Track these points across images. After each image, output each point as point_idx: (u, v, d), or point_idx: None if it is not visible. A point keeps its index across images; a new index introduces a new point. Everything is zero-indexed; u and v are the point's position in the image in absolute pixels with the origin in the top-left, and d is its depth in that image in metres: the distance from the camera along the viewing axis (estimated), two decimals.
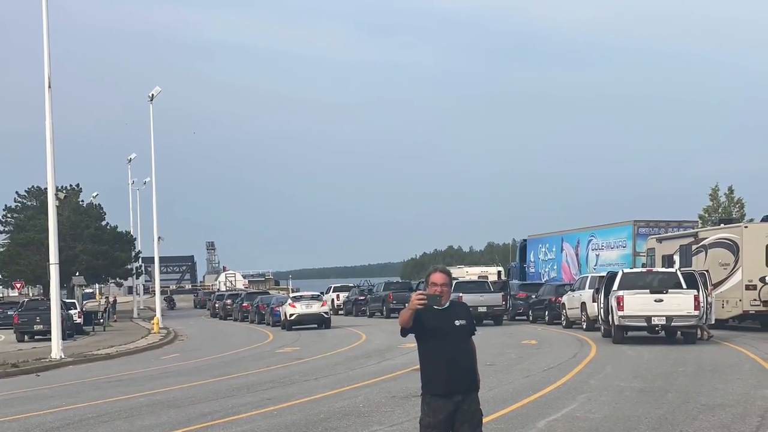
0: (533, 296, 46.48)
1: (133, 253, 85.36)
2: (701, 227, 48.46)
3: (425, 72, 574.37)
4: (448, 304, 7.82)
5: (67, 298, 57.14)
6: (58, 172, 35.05)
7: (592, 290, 34.99)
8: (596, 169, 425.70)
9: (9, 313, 54.20)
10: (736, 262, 34.30)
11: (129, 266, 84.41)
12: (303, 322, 47.16)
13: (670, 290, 29.12)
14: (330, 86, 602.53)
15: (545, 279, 55.76)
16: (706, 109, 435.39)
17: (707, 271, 32.57)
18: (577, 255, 54.56)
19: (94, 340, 44.53)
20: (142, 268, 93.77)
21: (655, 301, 28.85)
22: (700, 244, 36.93)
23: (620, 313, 28.94)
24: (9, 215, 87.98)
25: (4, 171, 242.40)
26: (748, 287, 33.64)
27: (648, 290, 29.26)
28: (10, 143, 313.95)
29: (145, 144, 64.34)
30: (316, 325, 47.03)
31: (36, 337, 45.43)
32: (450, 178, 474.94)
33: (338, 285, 73.58)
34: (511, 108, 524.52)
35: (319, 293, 54.77)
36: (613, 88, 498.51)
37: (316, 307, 47.57)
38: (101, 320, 58.94)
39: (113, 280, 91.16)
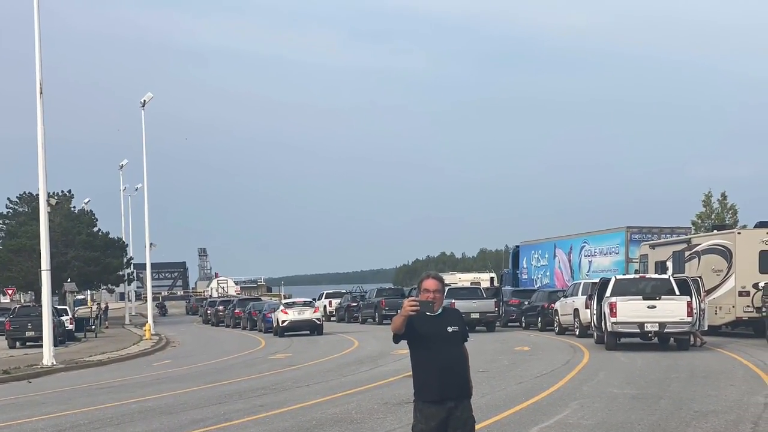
0: (526, 302, 46.45)
1: (125, 260, 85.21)
2: (694, 233, 48.47)
3: (418, 77, 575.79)
4: (440, 310, 7.79)
5: (59, 305, 57.02)
6: (49, 178, 34.98)
7: (585, 296, 34.98)
8: (589, 175, 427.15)
9: (0, 319, 53.99)
10: (729, 268, 34.31)
11: (121, 272, 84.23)
12: (295, 328, 47.10)
13: (663, 297, 29.11)
14: (323, 92, 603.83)
15: (538, 285, 55.75)
16: (700, 115, 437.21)
17: (700, 277, 32.59)
18: (569, 261, 54.56)
19: (85, 347, 44.41)
20: (134, 275, 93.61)
21: (648, 307, 28.83)
22: (693, 250, 36.95)
23: (613, 320, 28.92)
24: (0, 221, 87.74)
25: None
26: (741, 293, 33.64)
27: (641, 297, 29.26)
28: (2, 149, 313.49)
29: (137, 150, 64.04)
30: (308, 332, 46.97)
31: (28, 343, 45.28)
32: (443, 183, 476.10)
33: (330, 291, 73.58)
34: (504, 113, 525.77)
35: (311, 299, 54.66)
36: (606, 94, 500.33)
37: (308, 314, 47.51)
38: (93, 327, 58.75)
39: (105, 287, 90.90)
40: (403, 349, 7.83)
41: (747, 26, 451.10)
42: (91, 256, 75.95)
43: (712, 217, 65.17)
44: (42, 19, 33.17)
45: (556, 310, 39.56)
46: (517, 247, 64.62)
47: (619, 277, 32.34)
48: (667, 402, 16.56)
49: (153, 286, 73.72)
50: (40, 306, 38.38)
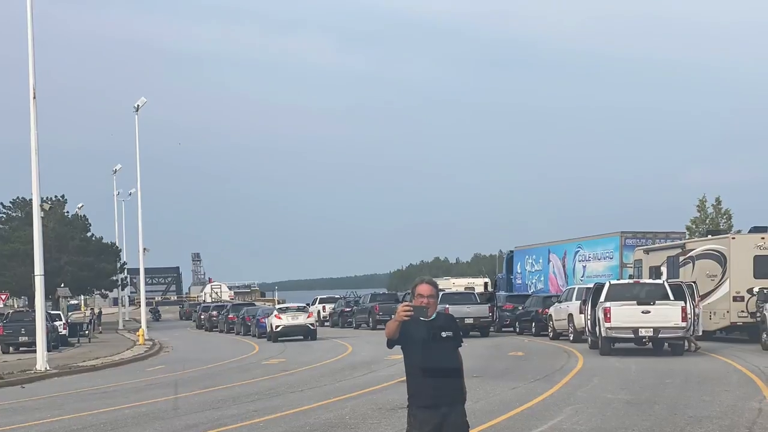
0: (520, 308, 46.41)
1: (119, 265, 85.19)
2: (689, 238, 48.49)
3: (412, 82, 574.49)
4: (434, 315, 7.77)
5: (53, 310, 56.83)
6: (42, 183, 34.83)
7: (579, 302, 34.97)
8: (583, 180, 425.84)
9: None
10: (724, 273, 34.32)
11: (114, 278, 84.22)
12: (289, 333, 47.06)
13: (657, 302, 29.11)
14: (317, 96, 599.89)
15: (532, 290, 55.73)
16: (694, 120, 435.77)
17: (695, 282, 32.57)
18: (564, 266, 54.56)
19: (79, 352, 44.31)
20: (128, 280, 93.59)
21: (643, 312, 28.82)
22: (688, 255, 36.96)
23: (607, 325, 28.91)
24: None
25: None
26: (735, 299, 33.65)
27: (635, 302, 29.24)
28: None
29: (130, 155, 63.96)
30: (302, 337, 46.94)
31: (21, 348, 45.21)
32: (437, 188, 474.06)
33: (324, 296, 73.62)
34: (498, 118, 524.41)
35: (305, 304, 54.68)
36: (600, 99, 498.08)
37: (302, 319, 47.48)
38: (86, 332, 58.63)
39: (98, 292, 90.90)
40: (397, 354, 7.81)
41: (741, 30, 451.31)
42: (85, 261, 75.96)
43: (707, 222, 65.26)
44: (35, 23, 33.18)
45: (551, 315, 39.55)
46: (512, 252, 64.59)
47: (613, 282, 32.31)
48: (661, 407, 16.53)
49: (146, 291, 73.66)
50: (34, 311, 38.33)
